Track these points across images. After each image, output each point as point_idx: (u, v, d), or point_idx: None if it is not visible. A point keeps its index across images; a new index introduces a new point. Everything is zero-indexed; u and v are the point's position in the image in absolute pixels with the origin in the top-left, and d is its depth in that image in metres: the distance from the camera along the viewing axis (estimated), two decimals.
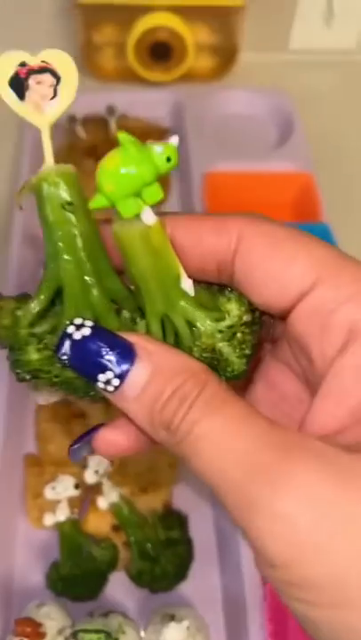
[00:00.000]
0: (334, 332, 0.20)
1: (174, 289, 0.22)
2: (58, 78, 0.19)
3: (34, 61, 0.19)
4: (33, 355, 0.22)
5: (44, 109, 0.19)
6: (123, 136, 0.19)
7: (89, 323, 0.21)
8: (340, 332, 0.20)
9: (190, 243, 0.22)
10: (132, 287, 0.22)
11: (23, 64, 0.19)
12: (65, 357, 0.20)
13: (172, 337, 0.23)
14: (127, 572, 0.45)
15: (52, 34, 0.83)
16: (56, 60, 0.19)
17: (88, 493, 0.48)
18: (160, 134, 0.75)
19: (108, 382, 0.20)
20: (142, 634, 0.43)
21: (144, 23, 0.73)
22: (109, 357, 0.20)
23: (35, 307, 0.22)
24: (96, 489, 0.47)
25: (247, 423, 0.19)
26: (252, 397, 0.26)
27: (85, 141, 0.70)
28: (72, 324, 0.21)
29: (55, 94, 0.19)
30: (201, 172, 0.67)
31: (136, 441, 0.22)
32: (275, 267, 0.21)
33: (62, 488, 0.46)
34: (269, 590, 0.41)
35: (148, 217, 0.20)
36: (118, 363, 0.20)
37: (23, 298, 0.23)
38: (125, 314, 0.23)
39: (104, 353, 0.20)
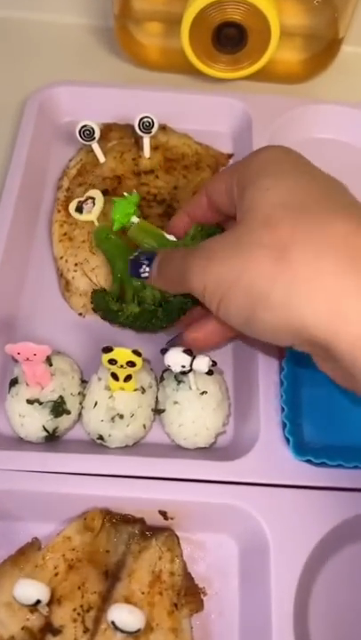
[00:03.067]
0: None
1: (163, 240, 0.43)
2: (94, 199, 0.46)
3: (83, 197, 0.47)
4: (114, 306, 0.42)
5: (91, 213, 0.46)
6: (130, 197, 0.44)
7: (145, 259, 0.41)
8: None
9: (198, 208, 0.41)
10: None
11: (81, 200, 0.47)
12: (144, 275, 0.40)
13: None
14: None
15: None
16: (94, 193, 0.46)
17: None
18: (216, 162, 0.51)
19: (144, 273, 0.40)
20: None
21: None
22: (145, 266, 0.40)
23: (115, 290, 0.43)
24: None
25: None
26: None
27: (105, 169, 0.47)
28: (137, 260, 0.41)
29: (94, 205, 0.46)
30: None
31: (211, 335, 0.39)
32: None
33: None
34: None
35: (135, 219, 0.42)
36: (148, 266, 0.40)
37: (103, 290, 0.44)
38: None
39: (144, 265, 0.40)
